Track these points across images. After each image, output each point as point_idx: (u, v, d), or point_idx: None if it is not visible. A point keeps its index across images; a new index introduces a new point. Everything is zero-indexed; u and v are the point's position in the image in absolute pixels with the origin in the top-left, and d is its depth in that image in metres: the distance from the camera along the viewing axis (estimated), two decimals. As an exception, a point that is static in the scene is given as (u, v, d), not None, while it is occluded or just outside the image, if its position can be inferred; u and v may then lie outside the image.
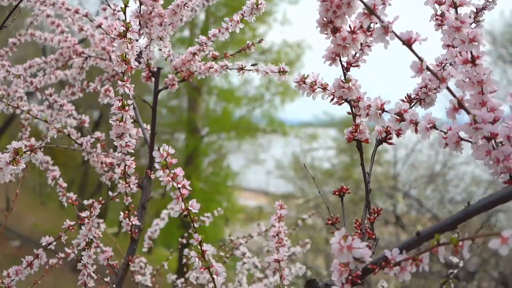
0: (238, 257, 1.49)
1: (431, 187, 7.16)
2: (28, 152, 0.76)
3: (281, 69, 0.97)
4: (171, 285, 1.55)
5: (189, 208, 0.72)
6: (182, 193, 0.72)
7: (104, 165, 1.15)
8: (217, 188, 11.53)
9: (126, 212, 1.07)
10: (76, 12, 1.20)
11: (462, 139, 0.62)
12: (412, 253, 0.60)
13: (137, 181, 1.02)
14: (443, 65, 0.79)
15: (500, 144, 0.61)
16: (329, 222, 0.71)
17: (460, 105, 0.59)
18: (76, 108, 1.31)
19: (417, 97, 0.79)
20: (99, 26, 1.17)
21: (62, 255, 1.24)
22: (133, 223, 1.08)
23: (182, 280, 1.52)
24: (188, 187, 0.72)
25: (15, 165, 0.75)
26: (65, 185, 1.20)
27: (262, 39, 1.13)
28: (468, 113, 0.58)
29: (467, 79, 0.63)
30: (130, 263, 1.12)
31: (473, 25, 0.82)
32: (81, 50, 1.31)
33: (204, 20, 10.58)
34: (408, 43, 0.58)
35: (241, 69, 1.07)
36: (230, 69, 1.09)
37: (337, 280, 0.62)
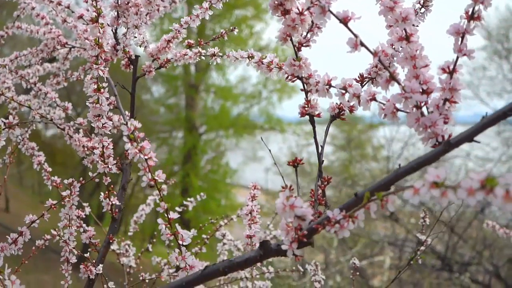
0: (219, 238, 1.56)
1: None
2: (6, 129, 0.83)
3: (250, 55, 1.02)
4: (157, 267, 1.61)
5: (156, 178, 0.78)
6: (149, 164, 0.78)
7: (85, 149, 1.21)
8: (215, 185, 11.57)
9: (106, 192, 1.14)
10: (59, 4, 1.25)
11: (398, 109, 0.68)
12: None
13: (115, 162, 1.08)
14: (393, 46, 0.85)
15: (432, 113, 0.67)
16: (283, 190, 0.76)
17: (392, 77, 0.65)
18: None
19: (369, 76, 0.85)
20: (81, 17, 1.23)
21: (48, 236, 1.30)
22: (113, 203, 1.15)
23: (165, 261, 1.58)
24: (155, 159, 0.78)
25: (-5, 141, 0.81)
26: (50, 169, 1.26)
27: (235, 28, 1.19)
28: (399, 84, 0.64)
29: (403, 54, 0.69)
30: (111, 241, 1.17)
31: (423, 9, 0.88)
32: (65, 41, 1.37)
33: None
34: (344, 21, 0.64)
35: (213, 55, 1.14)
36: (204, 55, 1.16)
37: (285, 239, 0.68)
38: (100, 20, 0.87)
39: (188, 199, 1.63)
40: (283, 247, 0.68)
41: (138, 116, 1.32)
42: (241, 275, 1.39)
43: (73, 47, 1.39)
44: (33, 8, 1.35)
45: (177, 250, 0.80)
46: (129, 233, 1.64)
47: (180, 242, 0.80)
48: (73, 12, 1.27)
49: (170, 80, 11.80)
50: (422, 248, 1.27)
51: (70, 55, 1.40)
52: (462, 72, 0.67)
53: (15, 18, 1.47)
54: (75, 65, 1.53)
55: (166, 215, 0.79)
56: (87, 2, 1.20)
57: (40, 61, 1.41)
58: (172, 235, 0.80)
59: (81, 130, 1.23)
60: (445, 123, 0.65)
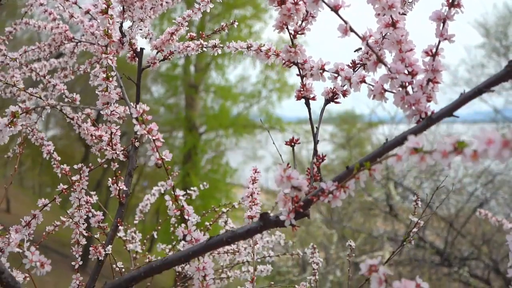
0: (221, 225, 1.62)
1: (425, 177, 7.29)
2: (24, 114, 0.89)
3: (249, 45, 1.08)
4: (162, 253, 1.67)
5: (163, 157, 0.84)
6: (157, 145, 0.84)
7: (93, 138, 1.27)
8: (216, 185, 11.61)
9: (114, 178, 1.20)
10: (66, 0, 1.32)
11: (386, 90, 0.75)
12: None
13: (122, 148, 1.14)
14: (383, 34, 0.91)
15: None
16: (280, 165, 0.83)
17: (379, 59, 0.71)
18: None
19: (361, 62, 0.90)
20: (87, 12, 1.29)
21: (58, 223, 1.36)
22: (121, 188, 1.21)
23: (170, 246, 1.64)
24: (162, 140, 0.84)
25: (12, 126, 0.87)
26: (59, 158, 1.32)
27: (234, 21, 1.25)
28: (386, 65, 0.71)
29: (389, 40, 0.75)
30: (118, 225, 1.23)
31: (410, -1, 0.94)
32: (71, 35, 1.43)
33: (201, 18, 10.70)
34: (335, 8, 0.70)
35: (214, 46, 1.20)
36: (205, 47, 1.22)
37: (283, 210, 0.74)
38: (110, 12, 0.93)
39: (192, 188, 1.69)
40: (281, 217, 0.74)
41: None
42: (243, 259, 1.45)
43: (80, 41, 1.45)
44: (41, 4, 1.42)
45: (183, 225, 0.85)
46: (135, 221, 1.70)
47: (186, 217, 0.86)
48: (80, 7, 1.33)
49: (169, 80, 11.86)
50: (415, 230, 1.33)
51: (77, 49, 1.46)
52: (443, 55, 0.73)
53: (23, 14, 1.53)
54: (79, 63, 1.60)
55: (172, 192, 0.86)
56: (93, -2, 1.26)
57: (48, 55, 1.47)
58: (179, 211, 0.86)
59: (89, 120, 1.29)
60: (428, 101, 0.71)
